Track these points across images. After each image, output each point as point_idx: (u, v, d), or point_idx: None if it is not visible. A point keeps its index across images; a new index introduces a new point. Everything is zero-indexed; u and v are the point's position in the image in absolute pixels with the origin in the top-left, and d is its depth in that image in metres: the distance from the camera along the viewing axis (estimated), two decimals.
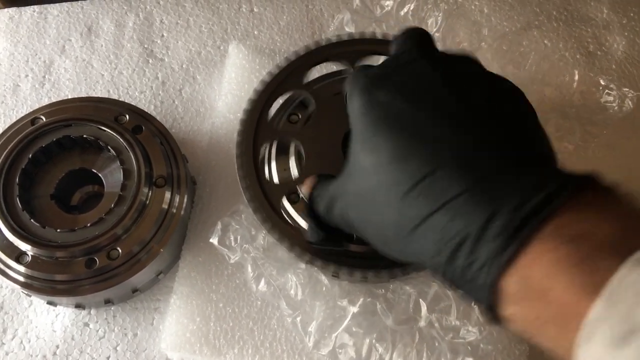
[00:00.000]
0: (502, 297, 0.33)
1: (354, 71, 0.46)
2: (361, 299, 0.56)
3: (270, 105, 0.60)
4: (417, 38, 0.45)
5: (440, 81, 0.40)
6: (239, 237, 0.59)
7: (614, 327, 0.27)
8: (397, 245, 0.39)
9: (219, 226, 0.59)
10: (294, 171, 0.59)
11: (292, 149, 0.59)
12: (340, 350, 0.54)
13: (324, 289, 0.56)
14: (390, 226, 0.38)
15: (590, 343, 0.28)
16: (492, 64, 0.70)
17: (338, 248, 0.52)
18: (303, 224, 0.55)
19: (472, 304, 0.36)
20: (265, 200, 0.56)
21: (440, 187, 0.35)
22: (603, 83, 0.69)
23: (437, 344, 0.54)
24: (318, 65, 0.62)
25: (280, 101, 0.61)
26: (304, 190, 0.50)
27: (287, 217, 0.56)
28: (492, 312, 0.34)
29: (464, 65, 0.42)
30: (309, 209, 0.47)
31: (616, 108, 0.67)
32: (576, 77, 0.70)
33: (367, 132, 0.40)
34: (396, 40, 0.46)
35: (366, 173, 0.39)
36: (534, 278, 0.31)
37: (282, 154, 0.60)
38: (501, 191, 0.33)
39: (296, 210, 0.56)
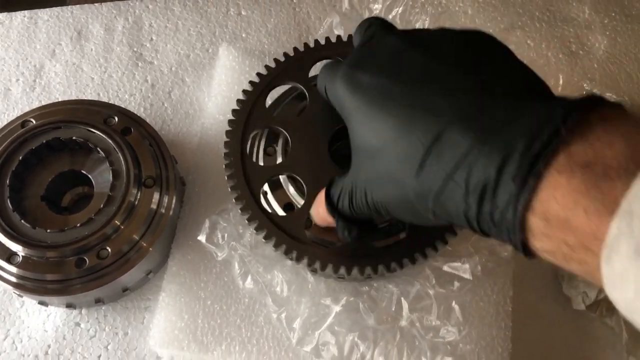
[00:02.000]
0: (529, 234, 0.34)
1: (322, 69, 0.47)
2: (345, 298, 0.57)
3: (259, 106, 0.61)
4: (378, 23, 0.48)
5: (413, 50, 0.42)
6: (226, 235, 0.60)
7: (634, 239, 0.28)
8: (428, 214, 0.39)
9: (207, 224, 0.60)
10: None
11: (280, 144, 0.61)
12: (322, 348, 0.55)
13: (309, 286, 0.57)
14: (415, 198, 0.39)
15: (613, 259, 0.29)
16: None
17: (375, 235, 0.52)
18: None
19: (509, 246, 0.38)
20: (252, 198, 0.56)
21: (450, 148, 0.36)
22: (587, 87, 0.70)
23: (417, 343, 0.55)
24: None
25: (269, 101, 0.62)
26: (316, 210, 0.50)
27: (275, 215, 0.56)
28: (525, 249, 0.35)
29: (426, 31, 0.45)
30: (332, 211, 0.47)
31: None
32: (561, 82, 0.71)
33: (363, 116, 0.41)
34: (357, 32, 0.49)
35: (376, 154, 0.40)
36: (554, 211, 0.32)
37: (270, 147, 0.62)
38: (508, 135, 0.34)
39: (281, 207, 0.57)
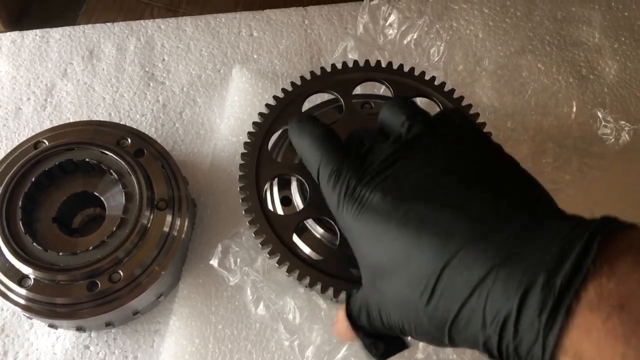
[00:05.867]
0: None
1: (328, 181, 0.43)
2: None
3: (273, 133, 0.61)
4: (373, 136, 0.44)
5: (419, 164, 0.40)
6: (239, 260, 0.59)
7: None
8: (445, 339, 0.36)
9: (219, 248, 0.60)
10: (296, 198, 0.59)
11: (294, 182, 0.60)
12: None
13: (322, 313, 0.57)
14: (429, 325, 0.36)
15: None
16: (491, 93, 0.71)
17: (404, 348, 0.47)
18: (305, 248, 0.56)
19: None
20: (266, 222, 0.56)
21: (464, 272, 0.34)
22: (600, 115, 0.70)
23: None
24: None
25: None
26: (336, 329, 0.46)
27: (289, 241, 0.56)
28: None
29: (431, 139, 0.42)
30: (355, 328, 0.44)
31: (613, 140, 0.68)
32: (574, 109, 0.71)
33: (369, 237, 0.39)
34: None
35: (386, 276, 0.38)
36: (588, 353, 0.30)
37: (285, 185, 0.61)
38: (527, 261, 0.32)
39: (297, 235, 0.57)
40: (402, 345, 0.45)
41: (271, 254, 0.54)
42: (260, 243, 0.55)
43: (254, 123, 0.60)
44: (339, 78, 0.61)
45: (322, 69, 0.62)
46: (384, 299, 0.39)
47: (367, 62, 0.62)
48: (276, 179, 0.60)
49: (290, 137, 0.50)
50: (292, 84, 0.62)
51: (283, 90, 0.61)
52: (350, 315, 0.44)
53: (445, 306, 0.35)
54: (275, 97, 0.61)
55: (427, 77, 0.62)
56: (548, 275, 0.31)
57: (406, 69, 0.62)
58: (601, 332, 0.29)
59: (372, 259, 0.39)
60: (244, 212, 0.57)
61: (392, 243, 0.37)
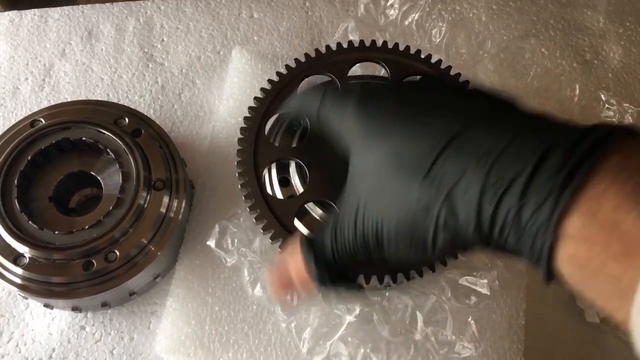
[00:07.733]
0: (562, 237, 0.31)
1: (306, 96, 0.45)
2: (358, 308, 0.56)
3: (270, 116, 0.60)
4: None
5: (417, 87, 0.42)
6: (236, 241, 0.59)
7: None
8: (429, 226, 0.35)
9: (217, 229, 0.60)
10: (295, 180, 0.59)
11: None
12: (334, 359, 0.54)
13: (319, 295, 0.56)
14: (419, 204, 0.35)
15: None
16: (493, 76, 0.71)
17: (354, 288, 0.46)
18: (305, 231, 0.55)
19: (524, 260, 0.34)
20: (267, 207, 0.55)
21: (471, 143, 0.34)
22: (604, 98, 0.69)
23: (431, 358, 0.54)
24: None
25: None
26: (279, 271, 0.45)
27: (291, 225, 0.55)
28: (549, 262, 0.32)
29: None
30: (307, 252, 0.42)
31: (616, 123, 0.67)
32: (577, 92, 0.71)
33: (372, 138, 0.39)
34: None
35: (379, 170, 0.37)
36: (603, 211, 0.29)
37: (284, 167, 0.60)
38: (547, 133, 0.32)
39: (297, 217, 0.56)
40: (354, 284, 0.45)
41: (273, 238, 0.54)
42: (262, 228, 0.54)
43: (250, 108, 0.59)
44: (334, 59, 0.61)
45: (317, 50, 0.61)
46: (370, 193, 0.38)
47: (362, 42, 0.61)
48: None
49: (290, 106, 0.50)
50: (287, 66, 0.61)
51: (278, 73, 0.61)
52: (307, 243, 0.42)
53: (444, 176, 0.34)
54: (270, 81, 0.60)
55: (427, 58, 0.61)
56: (572, 140, 0.31)
57: (404, 48, 0.61)
58: (620, 192, 0.29)
59: (369, 159, 0.39)
60: (244, 198, 0.56)
61: (393, 135, 0.37)
